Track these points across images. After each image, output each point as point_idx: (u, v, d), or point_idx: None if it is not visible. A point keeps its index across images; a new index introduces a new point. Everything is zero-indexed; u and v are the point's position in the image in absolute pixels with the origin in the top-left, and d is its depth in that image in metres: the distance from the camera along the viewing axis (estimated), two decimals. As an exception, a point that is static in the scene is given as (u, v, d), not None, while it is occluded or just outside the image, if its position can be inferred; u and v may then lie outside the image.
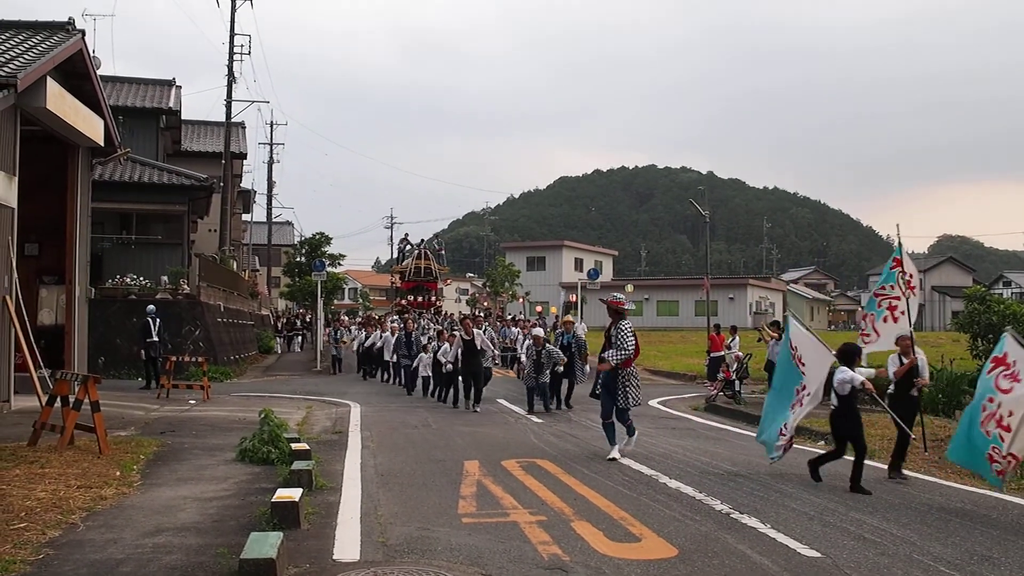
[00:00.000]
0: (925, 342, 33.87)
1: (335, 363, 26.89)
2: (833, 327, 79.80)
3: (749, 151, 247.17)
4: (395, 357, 20.15)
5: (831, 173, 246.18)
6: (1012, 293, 61.16)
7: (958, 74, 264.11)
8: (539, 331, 15.40)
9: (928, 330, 63.92)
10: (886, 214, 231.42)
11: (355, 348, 26.14)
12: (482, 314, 32.47)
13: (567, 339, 15.51)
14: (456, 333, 16.53)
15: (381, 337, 22.37)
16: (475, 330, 15.32)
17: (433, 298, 35.63)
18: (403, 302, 34.31)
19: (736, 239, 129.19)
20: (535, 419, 13.63)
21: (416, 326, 20.97)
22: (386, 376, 22.23)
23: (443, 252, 39.30)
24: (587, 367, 15.83)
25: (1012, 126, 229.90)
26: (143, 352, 18.58)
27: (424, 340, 18.80)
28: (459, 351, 15.16)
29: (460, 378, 15.69)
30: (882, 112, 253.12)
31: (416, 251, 36.28)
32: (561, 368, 14.81)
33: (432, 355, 16.97)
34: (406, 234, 39.40)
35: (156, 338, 18.56)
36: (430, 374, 17.33)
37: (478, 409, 14.67)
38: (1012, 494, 8.15)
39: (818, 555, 5.47)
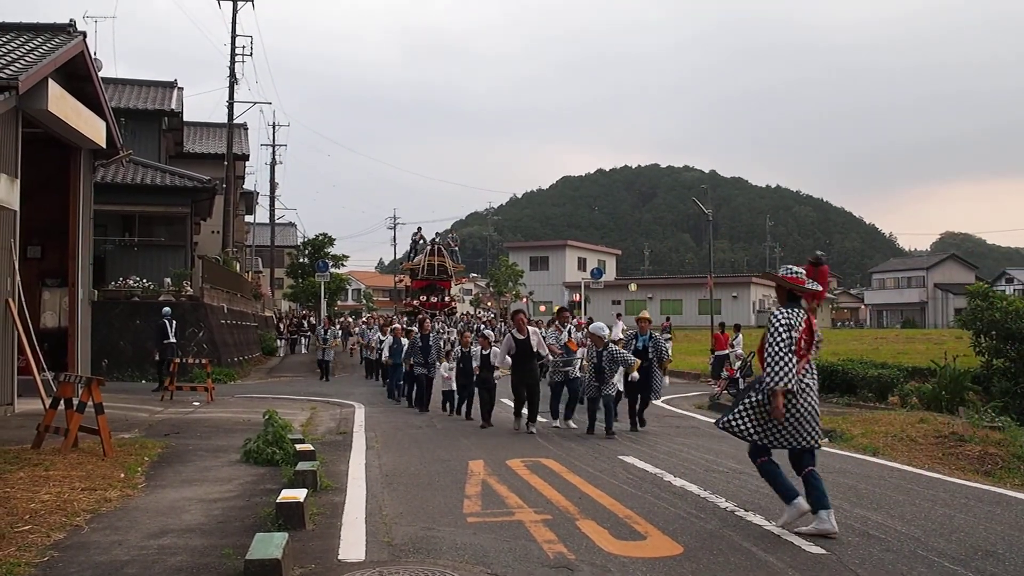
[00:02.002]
0: (928, 339, 33.88)
1: (321, 368, 23.73)
2: (838, 324, 79.70)
3: (751, 150, 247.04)
4: (405, 366, 16.36)
5: (833, 171, 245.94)
6: (1015, 290, 60.97)
7: (961, 68, 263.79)
8: (602, 328, 11.97)
9: (931, 327, 63.86)
10: (889, 212, 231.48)
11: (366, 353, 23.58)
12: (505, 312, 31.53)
13: (643, 341, 12.43)
14: (486, 334, 14.91)
15: (380, 341, 20.05)
16: (530, 328, 12.11)
17: (447, 298, 33.20)
18: (414, 302, 32.05)
19: (739, 237, 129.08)
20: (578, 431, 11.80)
21: (433, 328, 17.56)
22: (384, 383, 19.58)
23: (458, 248, 36.44)
24: (666, 379, 13.28)
25: (1015, 122, 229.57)
26: (158, 354, 18.55)
27: (444, 344, 16.48)
28: (509, 354, 12.04)
29: (487, 389, 13.02)
30: (884, 108, 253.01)
31: (429, 247, 33.55)
32: (636, 376, 11.98)
33: (456, 363, 13.97)
34: (419, 228, 35.95)
35: (173, 340, 18.57)
36: (454, 387, 14.16)
37: (534, 430, 11.61)
38: (1016, 490, 8.14)
39: (823, 552, 5.46)
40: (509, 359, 11.99)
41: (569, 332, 13.04)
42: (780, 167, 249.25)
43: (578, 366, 12.51)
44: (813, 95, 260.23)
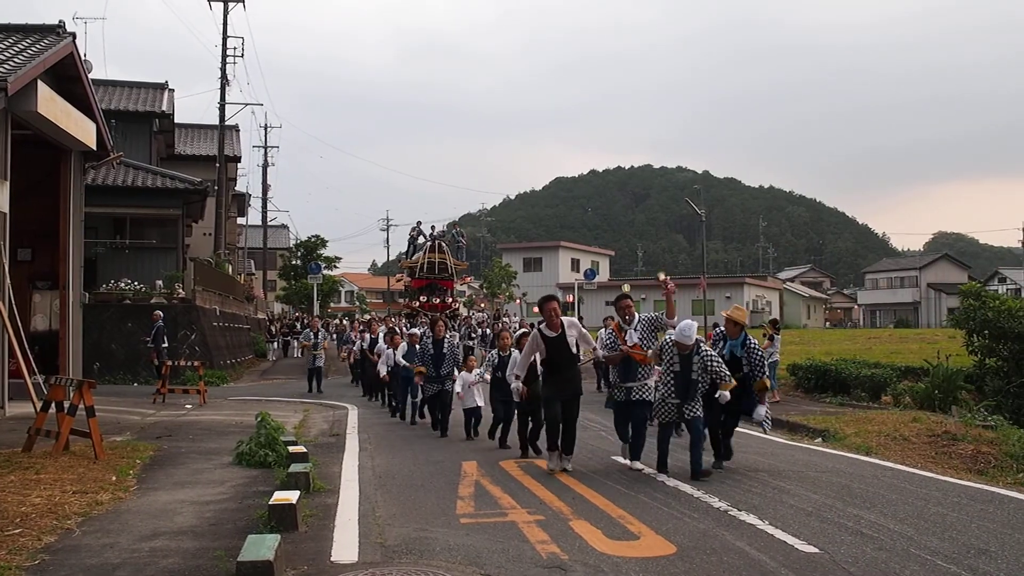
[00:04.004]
0: (921, 338, 34.00)
1: (312, 378, 19.72)
2: (830, 324, 79.95)
3: (745, 150, 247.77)
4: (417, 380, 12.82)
5: (827, 171, 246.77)
6: (1007, 289, 61.33)
7: (955, 70, 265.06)
8: (690, 328, 8.05)
9: (924, 327, 64.12)
10: (882, 212, 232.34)
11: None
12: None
13: (731, 347, 8.72)
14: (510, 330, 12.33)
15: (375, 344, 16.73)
16: (564, 320, 8.58)
17: (449, 299, 30.06)
18: (414, 303, 29.52)
19: (732, 238, 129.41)
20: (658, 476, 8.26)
21: (447, 332, 12.90)
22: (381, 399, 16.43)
23: (463, 243, 32.89)
24: (763, 407, 8.78)
25: (1007, 123, 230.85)
26: (156, 356, 18.65)
27: (461, 349, 13.15)
28: (536, 358, 8.85)
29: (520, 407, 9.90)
30: (876, 109, 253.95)
31: (429, 243, 30.46)
32: (727, 395, 8.15)
33: (492, 371, 10.85)
34: (418, 222, 32.15)
35: (165, 344, 18.82)
36: (479, 403, 11.32)
37: (569, 467, 8.51)
38: (1009, 488, 8.17)
39: (816, 551, 5.46)
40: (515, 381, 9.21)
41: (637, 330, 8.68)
42: (773, 167, 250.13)
43: (651, 385, 8.64)
44: (806, 96, 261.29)
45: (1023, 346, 16.79)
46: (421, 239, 31.20)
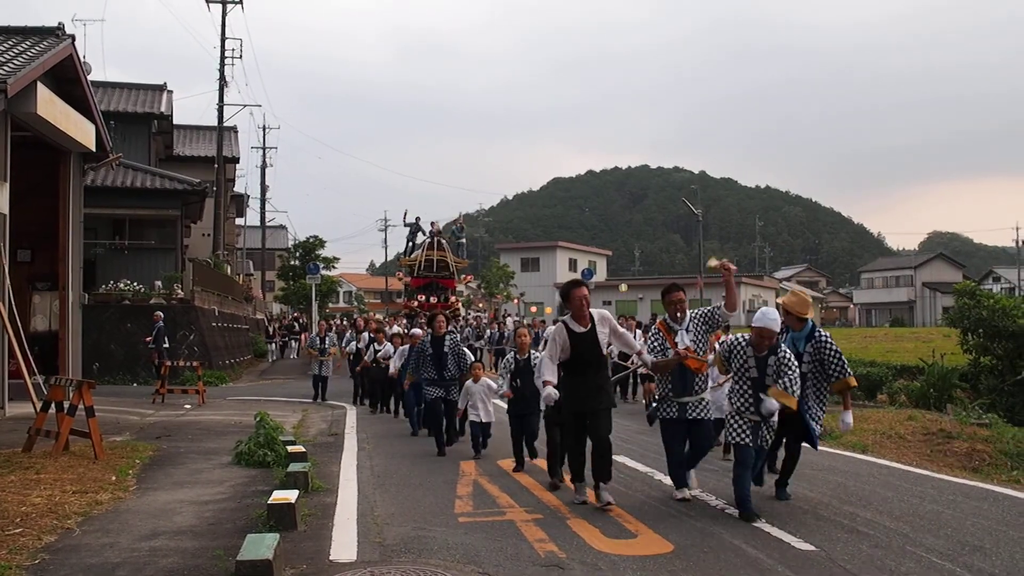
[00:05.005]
0: (917, 337, 34.05)
1: (317, 385, 17.21)
2: (825, 324, 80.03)
3: (741, 150, 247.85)
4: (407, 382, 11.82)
5: (823, 171, 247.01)
6: (1001, 288, 61.39)
7: (950, 71, 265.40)
8: (771, 314, 6.49)
9: (919, 325, 64.16)
10: (877, 212, 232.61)
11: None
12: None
13: (793, 342, 6.89)
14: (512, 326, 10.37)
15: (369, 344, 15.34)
16: (594, 312, 6.86)
17: (452, 298, 28.58)
18: (413, 303, 27.90)
19: (729, 238, 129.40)
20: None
21: (448, 328, 10.95)
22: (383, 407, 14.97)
23: (464, 240, 31.57)
24: (848, 414, 7.22)
25: (1002, 123, 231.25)
26: (156, 356, 18.76)
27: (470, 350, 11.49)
28: (559, 359, 6.85)
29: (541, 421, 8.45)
30: (873, 110, 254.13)
31: (428, 239, 29.06)
32: (776, 406, 6.33)
33: (510, 378, 8.73)
34: (416, 218, 30.56)
35: (166, 344, 19.00)
36: (489, 417, 9.61)
37: (610, 499, 6.64)
38: (1003, 485, 8.22)
39: (812, 548, 5.50)
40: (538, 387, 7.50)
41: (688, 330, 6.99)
42: (770, 168, 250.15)
43: (710, 402, 7.15)
44: (802, 96, 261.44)
45: (1017, 344, 16.87)
46: (420, 236, 29.86)
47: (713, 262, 6.65)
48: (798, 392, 6.40)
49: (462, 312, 31.67)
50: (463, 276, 30.76)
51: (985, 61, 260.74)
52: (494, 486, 7.76)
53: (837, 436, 11.28)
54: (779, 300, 7.05)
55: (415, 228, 30.04)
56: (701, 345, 6.92)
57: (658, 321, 7.30)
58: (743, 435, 6.44)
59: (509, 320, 31.20)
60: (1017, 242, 72.43)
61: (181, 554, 5.39)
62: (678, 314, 7.00)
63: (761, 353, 6.42)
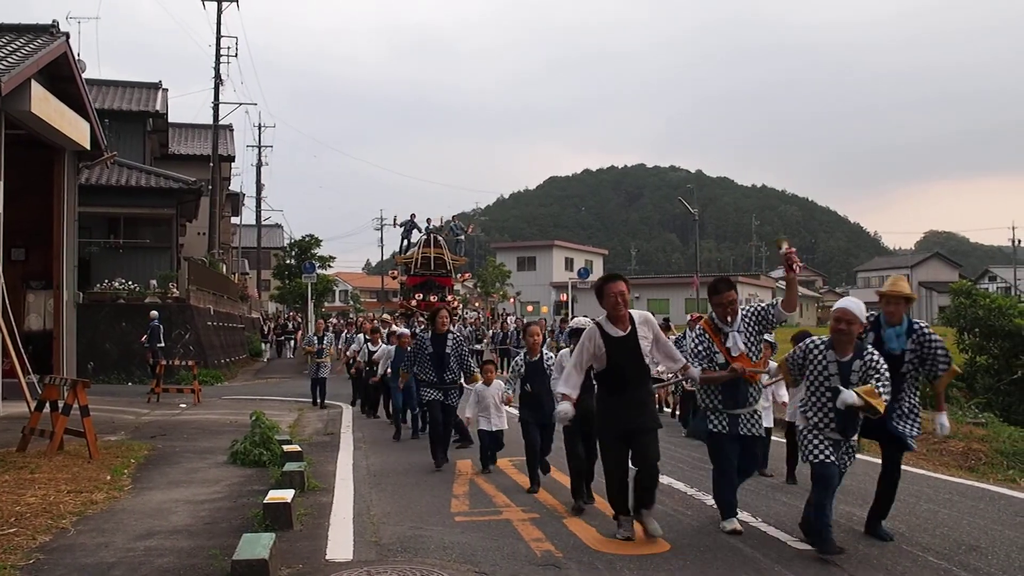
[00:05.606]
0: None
1: (316, 389, 16.00)
2: (821, 323, 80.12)
3: (737, 149, 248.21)
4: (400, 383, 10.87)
5: (819, 170, 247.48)
6: (997, 288, 61.53)
7: (946, 70, 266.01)
8: (853, 301, 5.62)
9: (916, 325, 64.14)
10: (874, 211, 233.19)
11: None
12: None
13: (894, 340, 5.82)
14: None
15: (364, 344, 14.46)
16: (634, 313, 5.85)
17: (449, 297, 27.20)
18: (411, 302, 26.84)
19: (725, 237, 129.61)
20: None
21: (449, 324, 9.73)
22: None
23: (463, 238, 30.48)
24: (943, 416, 6.11)
25: (998, 122, 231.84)
26: (151, 355, 18.76)
27: (479, 347, 10.20)
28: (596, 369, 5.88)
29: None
30: (869, 109, 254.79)
31: (424, 236, 28.07)
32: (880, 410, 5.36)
33: (519, 382, 7.84)
34: (412, 215, 29.53)
35: (162, 343, 19.05)
36: (502, 424, 8.64)
37: (659, 530, 5.72)
38: (999, 485, 8.23)
39: (809, 547, 5.50)
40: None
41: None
42: (766, 167, 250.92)
43: (761, 411, 6.20)
44: (799, 95, 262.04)
45: (1013, 344, 16.91)
46: (416, 233, 29.00)
47: (784, 245, 5.75)
48: (888, 397, 5.37)
49: (460, 312, 30.76)
50: (460, 275, 29.97)
51: (981, 60, 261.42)
52: (491, 485, 7.75)
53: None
54: (879, 291, 5.97)
55: (410, 225, 29.35)
56: (754, 349, 5.95)
57: (702, 321, 6.22)
58: (823, 451, 5.39)
59: (510, 319, 31.00)
60: (1013, 241, 72.68)
61: (176, 554, 5.37)
62: (728, 316, 5.98)
63: (844, 356, 5.42)
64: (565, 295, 42.40)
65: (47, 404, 9.20)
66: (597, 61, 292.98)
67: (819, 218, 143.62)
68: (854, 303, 5.50)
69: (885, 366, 5.43)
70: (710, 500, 6.97)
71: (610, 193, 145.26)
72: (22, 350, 12.61)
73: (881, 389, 5.29)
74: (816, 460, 5.39)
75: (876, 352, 5.49)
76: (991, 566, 5.15)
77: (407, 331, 12.05)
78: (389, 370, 12.13)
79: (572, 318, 12.94)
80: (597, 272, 69.17)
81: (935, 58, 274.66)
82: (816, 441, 5.43)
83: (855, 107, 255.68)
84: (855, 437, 5.54)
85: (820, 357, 5.49)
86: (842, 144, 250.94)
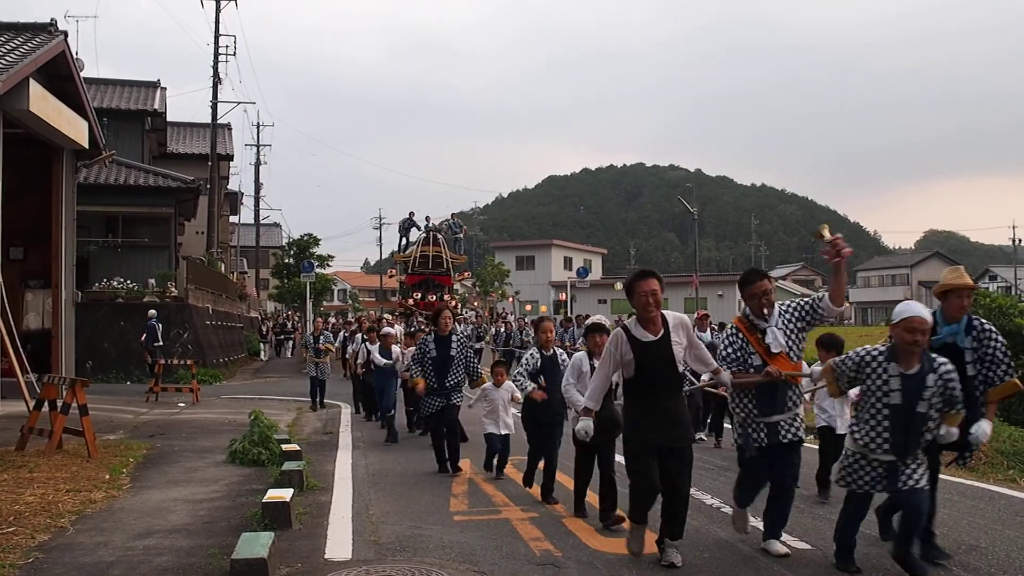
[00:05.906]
0: (912, 336, 34.12)
1: (315, 390, 15.49)
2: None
3: (737, 148, 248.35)
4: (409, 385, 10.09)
5: (818, 169, 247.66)
6: (998, 287, 61.65)
7: (946, 69, 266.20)
8: (917, 305, 4.91)
9: (915, 324, 64.24)
10: (873, 210, 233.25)
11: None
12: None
13: (948, 337, 5.33)
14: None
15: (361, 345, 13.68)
16: (668, 315, 5.25)
17: (448, 296, 26.34)
18: (408, 301, 26.36)
19: (724, 236, 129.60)
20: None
21: (452, 325, 9.05)
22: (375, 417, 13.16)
23: (462, 236, 29.96)
24: (984, 422, 5.23)
25: (998, 122, 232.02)
26: (150, 354, 18.78)
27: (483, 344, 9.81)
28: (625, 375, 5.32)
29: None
30: (869, 108, 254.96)
31: (424, 234, 27.47)
32: (954, 431, 4.90)
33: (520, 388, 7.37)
34: (411, 213, 28.99)
35: (160, 342, 19.11)
36: (510, 428, 8.30)
37: (678, 562, 5.14)
38: (999, 485, 8.22)
39: (808, 547, 5.50)
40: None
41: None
42: (765, 166, 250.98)
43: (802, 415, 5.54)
44: (798, 94, 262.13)
45: (1014, 343, 16.88)
46: (415, 231, 28.54)
47: (826, 233, 5.16)
48: (963, 413, 4.83)
49: (460, 312, 30.34)
50: (459, 273, 29.66)
51: (981, 59, 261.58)
52: (489, 485, 7.75)
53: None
54: (935, 290, 5.50)
55: (408, 223, 28.97)
56: (796, 348, 5.29)
57: (735, 319, 5.57)
58: (864, 480, 4.83)
59: (511, 318, 31.00)
60: (1014, 241, 72.75)
61: (175, 553, 5.36)
62: (764, 309, 5.27)
63: (910, 369, 4.64)
64: (564, 294, 42.43)
65: (46, 403, 9.18)
66: (597, 61, 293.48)
67: (819, 217, 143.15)
68: (925, 309, 4.79)
69: (956, 376, 4.76)
70: (709, 499, 6.99)
71: (609, 192, 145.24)
72: (21, 349, 12.60)
73: (959, 399, 4.75)
74: (855, 489, 4.91)
75: (948, 362, 4.76)
76: (991, 566, 5.15)
77: (392, 331, 12.00)
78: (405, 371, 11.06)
79: (571, 318, 12.92)
80: (596, 272, 69.25)
81: (935, 58, 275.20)
82: (860, 470, 4.85)
83: (855, 107, 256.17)
84: (921, 455, 4.82)
85: (880, 370, 4.74)
86: (842, 144, 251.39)
